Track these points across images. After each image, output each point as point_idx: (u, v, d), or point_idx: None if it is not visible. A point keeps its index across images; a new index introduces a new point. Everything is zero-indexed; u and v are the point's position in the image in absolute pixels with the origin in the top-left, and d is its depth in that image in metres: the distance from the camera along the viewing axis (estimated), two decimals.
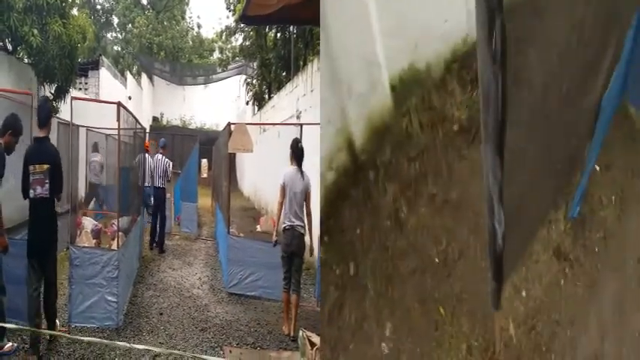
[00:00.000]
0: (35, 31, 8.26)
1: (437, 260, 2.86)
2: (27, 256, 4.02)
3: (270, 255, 5.61)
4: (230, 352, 4.42)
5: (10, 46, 9.03)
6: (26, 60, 9.33)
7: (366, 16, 2.92)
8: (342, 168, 3.08)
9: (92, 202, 9.69)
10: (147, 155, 8.37)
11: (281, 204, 4.91)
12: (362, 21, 2.93)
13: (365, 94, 3.08)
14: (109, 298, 4.64)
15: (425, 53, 3.39)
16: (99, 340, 4.05)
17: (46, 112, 4.16)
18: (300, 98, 9.27)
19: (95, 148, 10.20)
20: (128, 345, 3.83)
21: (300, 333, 4.05)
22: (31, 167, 3.94)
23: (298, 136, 5.48)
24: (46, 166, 3.94)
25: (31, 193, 3.94)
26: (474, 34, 3.73)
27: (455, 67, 3.55)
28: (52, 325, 4.29)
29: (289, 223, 4.86)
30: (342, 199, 3.04)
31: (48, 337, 4.26)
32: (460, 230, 2.94)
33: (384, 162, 3.17)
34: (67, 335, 4.19)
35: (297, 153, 4.97)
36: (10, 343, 3.96)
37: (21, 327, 4.10)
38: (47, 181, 3.94)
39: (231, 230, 6.60)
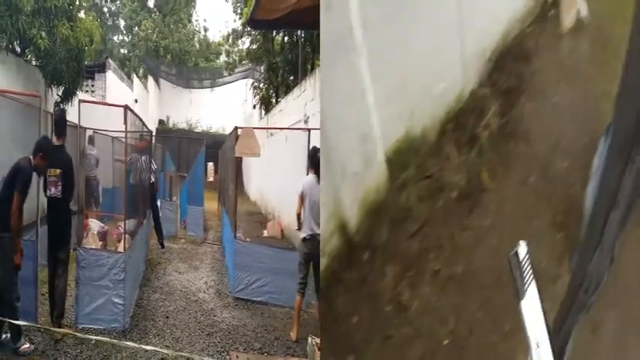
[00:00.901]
0: (43, 34, 8.29)
1: (446, 342, 2.64)
2: (47, 247, 4.54)
3: (277, 260, 5.58)
4: (237, 357, 4.38)
5: (18, 49, 9.07)
6: (34, 62, 9.36)
7: (362, 88, 2.74)
8: (335, 252, 2.84)
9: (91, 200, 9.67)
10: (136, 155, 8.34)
11: (299, 213, 4.89)
12: (357, 94, 2.72)
13: (359, 172, 2.86)
14: (116, 300, 4.65)
15: (421, 118, 3.18)
16: (108, 339, 4.06)
17: (63, 123, 4.64)
18: (308, 103, 9.24)
19: (91, 142, 10.16)
20: (137, 345, 3.83)
21: (309, 340, 4.01)
22: (48, 171, 4.43)
23: (306, 141, 5.46)
24: (59, 171, 4.45)
25: (48, 192, 4.50)
26: (468, 88, 3.66)
27: (449, 127, 3.33)
28: (58, 322, 4.43)
29: (310, 233, 4.82)
30: (335, 284, 2.79)
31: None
32: (468, 306, 2.74)
33: (381, 242, 2.90)
34: (77, 334, 4.20)
35: (315, 161, 4.94)
36: (28, 345, 4.06)
37: (30, 324, 4.16)
38: (60, 183, 4.45)
39: (237, 235, 6.57)
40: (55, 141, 4.55)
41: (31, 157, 4.16)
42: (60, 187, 4.47)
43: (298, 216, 4.92)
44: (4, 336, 4.11)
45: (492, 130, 3.27)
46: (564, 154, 3.17)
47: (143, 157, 8.02)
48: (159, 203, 10.49)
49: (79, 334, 4.21)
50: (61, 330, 4.28)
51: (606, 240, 1.15)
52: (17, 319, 3.90)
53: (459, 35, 3.31)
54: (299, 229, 5.02)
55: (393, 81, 2.91)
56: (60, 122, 4.61)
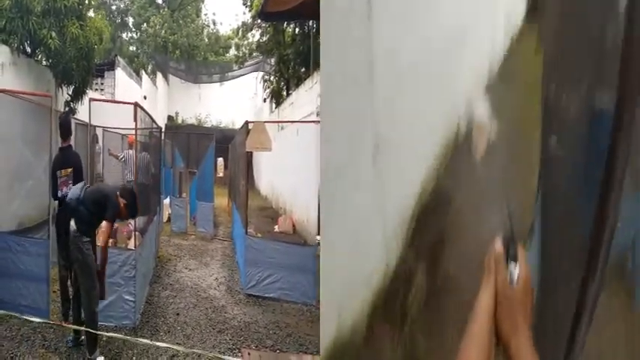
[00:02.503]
0: (53, 34, 8.32)
1: None
2: (58, 246, 4.53)
3: (288, 256, 5.54)
4: (249, 354, 4.36)
5: (29, 49, 9.12)
6: (44, 62, 9.40)
7: None
8: None
9: None
10: (131, 152, 8.38)
11: None
12: None
13: None
14: (127, 297, 4.66)
15: (349, 310, 3.13)
16: (121, 336, 4.09)
17: (68, 126, 4.85)
18: None
19: (95, 140, 10.22)
20: (149, 342, 3.85)
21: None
22: (58, 172, 4.60)
23: (318, 134, 5.40)
24: (69, 170, 4.64)
25: (59, 193, 4.60)
26: (393, 259, 3.52)
27: (379, 311, 3.28)
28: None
29: None
30: None
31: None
32: None
33: None
34: (90, 331, 4.21)
35: None
36: (102, 357, 4.08)
37: (45, 321, 4.21)
38: (70, 181, 4.62)
39: (248, 230, 6.54)
40: (62, 143, 4.74)
41: (117, 192, 4.23)
42: (71, 185, 4.57)
43: None
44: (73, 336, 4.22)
45: (422, 294, 3.17)
46: None
47: (143, 155, 8.03)
48: (167, 200, 10.55)
49: (93, 331, 4.23)
50: (73, 326, 4.32)
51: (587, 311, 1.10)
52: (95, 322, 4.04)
53: (380, 212, 3.19)
54: None
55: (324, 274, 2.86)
56: (65, 125, 4.80)
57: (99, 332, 4.08)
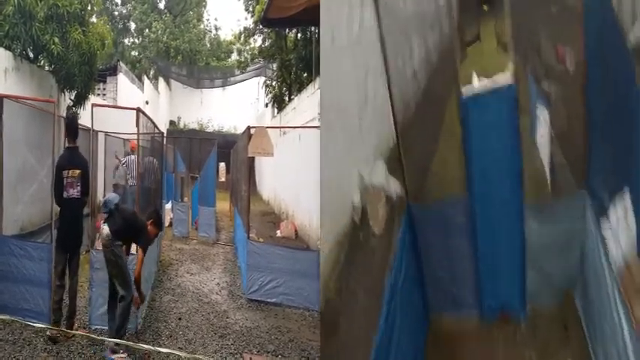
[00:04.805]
0: (56, 40, 8.36)
1: None
2: (56, 249, 4.50)
3: (291, 261, 5.54)
4: (250, 359, 4.36)
5: (31, 55, 9.15)
6: (47, 68, 9.44)
7: None
8: None
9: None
10: (133, 157, 8.42)
11: None
12: None
13: None
14: None
15: None
16: (122, 341, 4.07)
17: (75, 127, 4.78)
18: None
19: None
20: (151, 347, 3.84)
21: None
22: (64, 172, 4.50)
23: (319, 139, 5.41)
24: (77, 172, 4.53)
25: (65, 194, 4.49)
26: None
27: None
28: (70, 321, 4.50)
29: None
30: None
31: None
32: None
33: None
34: (91, 335, 4.21)
35: None
36: (124, 354, 4.16)
37: (46, 326, 4.21)
38: (78, 184, 4.53)
39: (250, 235, 6.54)
40: (69, 143, 4.68)
41: (148, 222, 4.50)
42: (78, 188, 4.57)
43: None
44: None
45: None
46: None
47: (151, 160, 8.04)
48: (169, 205, 10.57)
49: (92, 335, 4.23)
50: (76, 331, 4.33)
51: None
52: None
53: None
54: None
55: None
56: (71, 126, 4.72)
57: (101, 337, 4.07)
